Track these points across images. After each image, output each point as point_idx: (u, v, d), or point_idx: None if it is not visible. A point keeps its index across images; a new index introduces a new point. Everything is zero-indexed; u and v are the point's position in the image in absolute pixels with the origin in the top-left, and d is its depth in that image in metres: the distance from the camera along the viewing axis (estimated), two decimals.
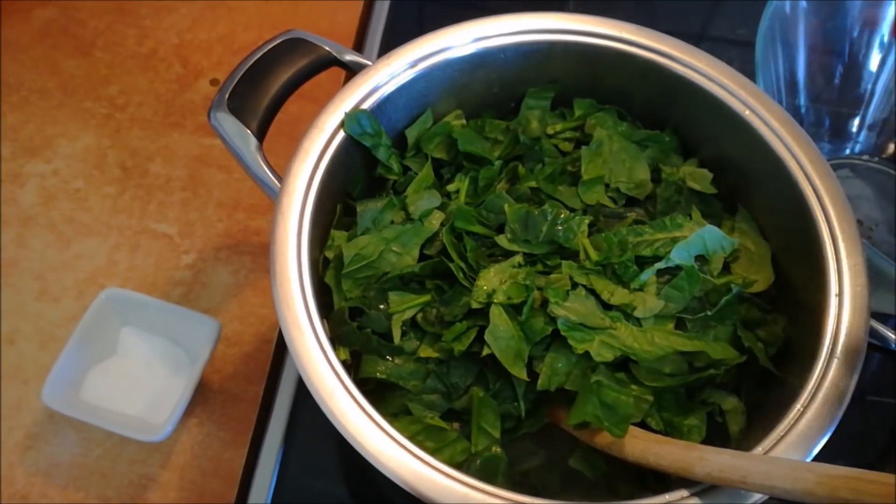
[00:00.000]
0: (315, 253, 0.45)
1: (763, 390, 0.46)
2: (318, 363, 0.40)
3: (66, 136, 0.69)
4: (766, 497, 0.37)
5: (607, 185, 0.51)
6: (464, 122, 0.54)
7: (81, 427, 0.57)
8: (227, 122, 0.48)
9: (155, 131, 0.70)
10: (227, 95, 0.48)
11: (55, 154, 0.68)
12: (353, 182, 0.51)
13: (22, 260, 0.63)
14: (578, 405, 0.41)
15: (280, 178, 0.48)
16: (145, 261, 0.64)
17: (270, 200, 0.48)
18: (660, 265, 0.44)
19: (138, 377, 0.57)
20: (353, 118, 0.48)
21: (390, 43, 0.73)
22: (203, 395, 0.58)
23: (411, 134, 0.52)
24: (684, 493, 0.38)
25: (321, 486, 0.55)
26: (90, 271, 0.63)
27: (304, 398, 0.58)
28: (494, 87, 0.54)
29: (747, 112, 0.48)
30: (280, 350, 0.61)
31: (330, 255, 0.47)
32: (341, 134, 0.48)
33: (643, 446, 0.39)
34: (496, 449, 0.43)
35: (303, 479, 0.55)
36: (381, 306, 0.46)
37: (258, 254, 0.64)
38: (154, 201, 0.66)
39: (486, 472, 0.42)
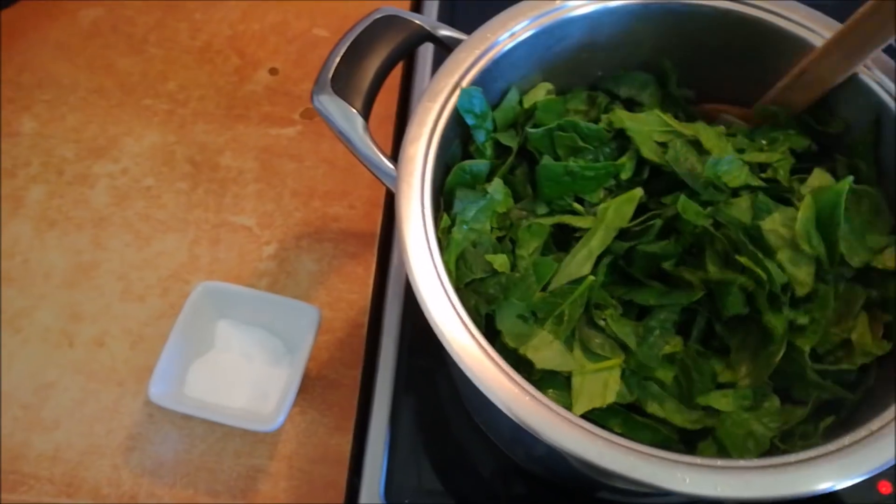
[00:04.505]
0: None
1: None
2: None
3: (131, 135, 0.68)
4: None
5: None
6: (553, 96, 0.54)
7: (182, 424, 0.57)
8: (332, 105, 0.47)
9: (220, 124, 0.69)
10: (329, 77, 0.48)
11: (122, 153, 0.67)
12: (453, 158, 0.51)
13: (102, 261, 0.63)
14: None
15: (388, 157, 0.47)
16: (227, 254, 0.63)
17: (379, 181, 0.48)
18: None
19: (238, 369, 0.56)
20: (467, 94, 0.47)
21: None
22: (302, 383, 0.57)
23: (498, 116, 0.51)
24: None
25: (433, 464, 0.55)
26: (173, 268, 0.62)
27: (405, 377, 0.57)
28: (584, 53, 0.53)
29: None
30: (373, 333, 0.61)
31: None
32: (448, 109, 0.47)
33: None
34: None
35: (413, 457, 0.55)
36: None
37: (339, 240, 0.64)
38: (228, 194, 0.66)
39: None
